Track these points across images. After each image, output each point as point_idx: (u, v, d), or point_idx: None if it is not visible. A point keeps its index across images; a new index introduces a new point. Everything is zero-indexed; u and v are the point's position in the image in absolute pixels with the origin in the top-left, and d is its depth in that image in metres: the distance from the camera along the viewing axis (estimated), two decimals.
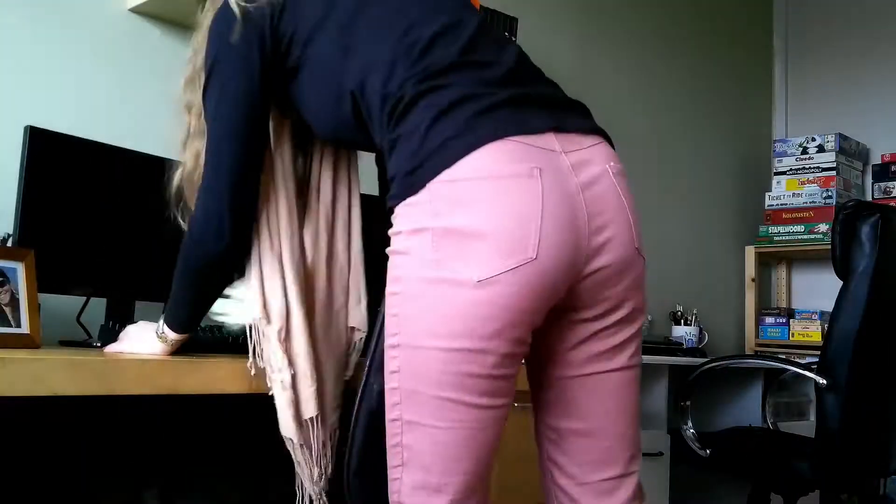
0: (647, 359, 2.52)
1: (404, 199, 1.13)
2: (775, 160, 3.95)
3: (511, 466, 1.90)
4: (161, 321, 1.43)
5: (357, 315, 1.46)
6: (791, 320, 3.75)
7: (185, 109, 1.42)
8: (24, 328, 1.43)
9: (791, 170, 3.87)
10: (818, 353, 2.32)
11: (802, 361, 2.89)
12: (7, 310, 1.42)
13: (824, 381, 2.21)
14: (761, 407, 3.02)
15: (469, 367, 1.10)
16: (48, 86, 1.91)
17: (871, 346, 2.23)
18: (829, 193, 3.72)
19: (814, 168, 3.82)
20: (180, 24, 2.12)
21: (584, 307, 1.18)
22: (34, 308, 1.46)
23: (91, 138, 1.80)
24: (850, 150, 3.87)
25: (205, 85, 1.32)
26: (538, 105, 1.18)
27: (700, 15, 3.89)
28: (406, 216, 1.13)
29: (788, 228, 3.79)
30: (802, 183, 3.82)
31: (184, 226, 1.42)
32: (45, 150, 1.68)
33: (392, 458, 1.19)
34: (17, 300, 1.45)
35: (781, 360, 2.77)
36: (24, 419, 1.76)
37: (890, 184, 3.83)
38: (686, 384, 2.51)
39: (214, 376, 1.38)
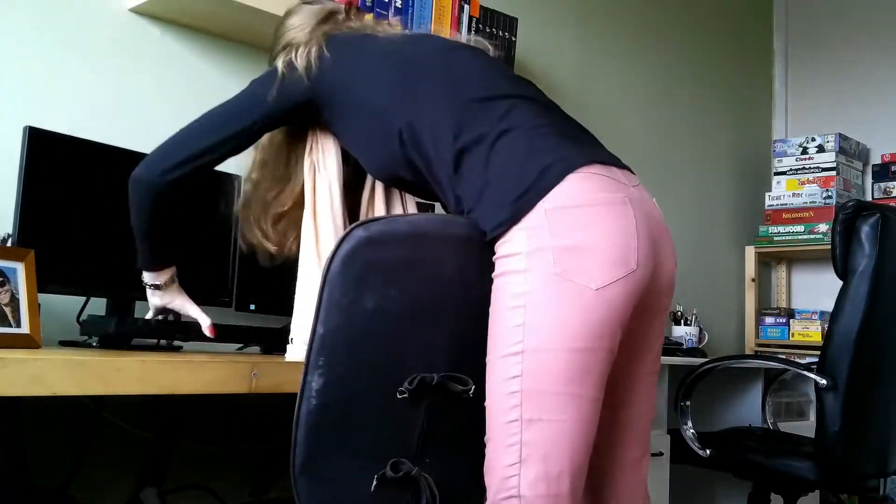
0: None
1: (517, 222, 1.31)
2: (775, 160, 3.95)
3: None
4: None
5: None
6: (791, 320, 3.75)
7: (254, 147, 1.67)
8: (24, 328, 1.43)
9: (791, 170, 3.87)
10: (818, 353, 2.32)
11: (802, 361, 2.88)
12: (7, 310, 1.42)
13: (824, 381, 2.21)
14: (761, 407, 3.02)
15: (588, 364, 1.28)
16: (48, 86, 1.91)
17: (871, 346, 2.23)
18: (829, 193, 3.72)
19: (814, 168, 3.82)
20: (180, 24, 2.12)
21: (644, 312, 1.39)
22: (34, 308, 1.46)
23: (91, 138, 1.80)
24: (850, 150, 3.87)
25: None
26: (594, 143, 1.46)
27: (700, 15, 3.89)
28: (523, 238, 1.31)
29: (788, 228, 3.79)
30: (802, 183, 3.82)
31: (243, 246, 1.75)
32: (44, 150, 1.68)
33: (508, 457, 1.29)
34: (17, 300, 1.45)
35: (781, 360, 2.77)
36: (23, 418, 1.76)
37: (890, 184, 3.83)
38: (686, 384, 2.51)
39: (214, 376, 1.38)
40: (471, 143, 1.39)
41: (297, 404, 1.27)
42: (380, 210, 1.70)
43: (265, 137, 1.65)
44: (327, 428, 1.28)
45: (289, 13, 1.76)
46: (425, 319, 1.34)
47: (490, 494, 1.31)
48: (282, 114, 1.59)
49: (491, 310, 1.35)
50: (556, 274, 1.28)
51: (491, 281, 1.35)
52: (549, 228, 1.30)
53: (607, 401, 1.37)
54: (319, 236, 1.61)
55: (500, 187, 1.35)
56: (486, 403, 1.34)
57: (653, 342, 1.47)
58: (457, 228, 1.37)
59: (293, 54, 1.58)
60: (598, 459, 1.42)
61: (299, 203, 1.65)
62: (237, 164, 2.17)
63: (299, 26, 1.68)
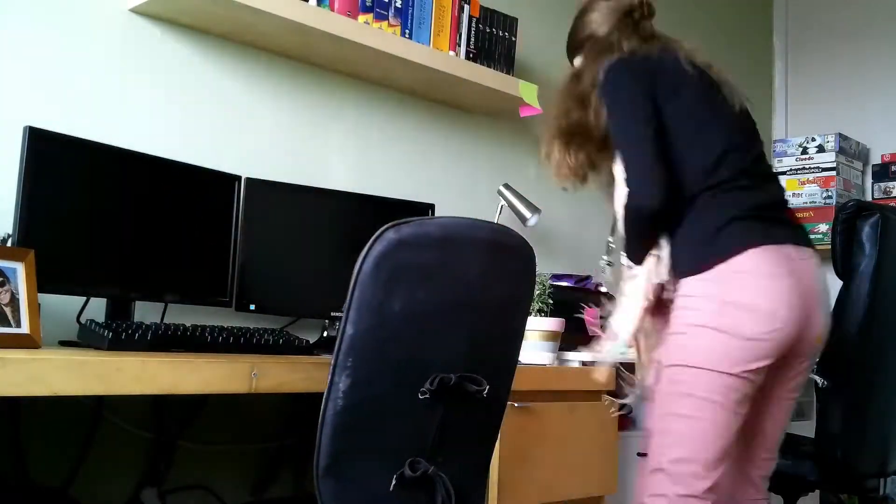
0: None
1: (697, 273, 1.73)
2: (775, 160, 3.95)
3: (511, 466, 1.90)
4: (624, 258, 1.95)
5: None
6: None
7: (559, 131, 1.99)
8: (24, 328, 1.43)
9: (791, 170, 3.87)
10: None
11: None
12: (7, 310, 1.42)
13: (825, 382, 2.21)
14: None
15: (729, 383, 1.69)
16: (48, 86, 1.91)
17: (872, 346, 2.23)
18: (829, 193, 3.72)
19: (814, 168, 3.82)
20: (180, 24, 2.12)
21: (791, 363, 1.81)
22: (34, 308, 1.46)
23: (91, 138, 1.80)
24: (850, 150, 3.87)
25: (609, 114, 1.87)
26: (782, 224, 1.81)
27: (700, 15, 3.88)
28: (698, 286, 1.73)
29: None
30: (802, 183, 3.82)
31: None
32: (45, 150, 1.68)
33: (664, 438, 1.73)
34: (17, 300, 1.45)
35: None
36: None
37: (890, 184, 3.83)
38: None
39: (214, 376, 1.38)
40: None
41: (322, 406, 1.27)
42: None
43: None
44: (352, 429, 1.29)
45: (587, 9, 2.06)
46: (447, 320, 1.35)
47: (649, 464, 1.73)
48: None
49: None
50: (718, 318, 1.69)
51: (509, 283, 1.43)
52: (718, 283, 1.71)
53: (753, 412, 1.77)
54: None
55: (692, 241, 1.79)
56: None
57: (792, 377, 1.85)
58: (483, 233, 1.39)
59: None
60: (739, 454, 1.81)
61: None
62: (238, 164, 2.17)
63: (600, 21, 2.00)
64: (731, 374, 1.68)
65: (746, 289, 1.69)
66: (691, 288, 1.74)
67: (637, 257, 1.87)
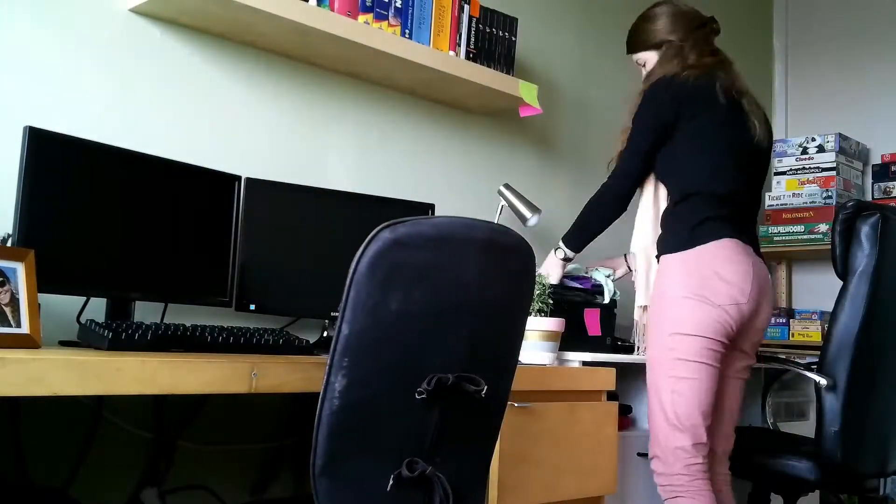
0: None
1: (679, 251, 2.15)
2: (775, 160, 3.94)
3: (511, 466, 1.90)
4: (560, 245, 2.42)
5: None
6: (791, 320, 3.75)
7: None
8: (24, 328, 1.43)
9: (791, 170, 3.87)
10: (818, 353, 2.32)
11: (802, 361, 2.88)
12: (7, 310, 1.42)
13: (824, 381, 2.21)
14: (761, 407, 3.02)
15: (711, 346, 2.09)
16: (48, 86, 1.91)
17: (871, 346, 2.23)
18: (829, 193, 3.72)
19: (814, 168, 3.82)
20: (180, 24, 2.12)
21: (740, 343, 2.20)
22: (34, 308, 1.46)
23: (91, 138, 1.80)
24: (850, 150, 3.86)
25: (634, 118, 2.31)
26: (750, 237, 2.24)
27: None
28: (679, 263, 2.15)
29: (788, 228, 3.79)
30: (802, 183, 3.82)
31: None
32: (45, 150, 1.68)
33: (667, 396, 2.10)
34: (17, 300, 1.45)
35: (781, 361, 2.77)
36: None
37: (890, 184, 3.83)
38: None
39: (214, 376, 1.37)
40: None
41: (318, 405, 1.27)
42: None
43: None
44: (348, 429, 1.28)
45: (654, 16, 2.41)
46: (445, 320, 1.35)
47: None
48: None
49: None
50: (698, 290, 2.10)
51: (507, 283, 1.46)
52: (700, 260, 2.12)
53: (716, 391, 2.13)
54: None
55: (678, 227, 2.21)
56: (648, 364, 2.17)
57: (741, 358, 2.24)
58: (480, 232, 1.38)
59: None
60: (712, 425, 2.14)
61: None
62: (238, 164, 2.17)
63: (670, 29, 2.36)
64: (712, 338, 2.08)
65: (720, 266, 2.10)
66: (674, 264, 2.15)
67: (580, 244, 2.39)
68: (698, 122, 2.21)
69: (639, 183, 2.32)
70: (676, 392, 2.08)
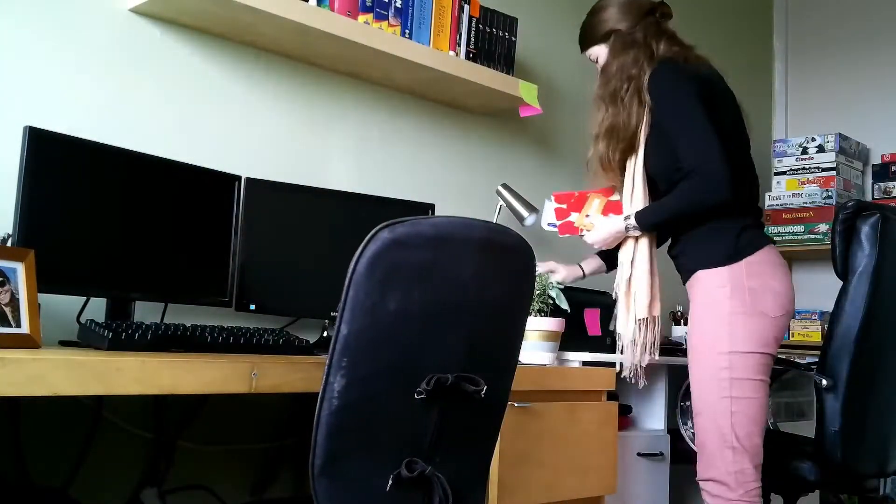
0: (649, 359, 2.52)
1: (725, 265, 2.05)
2: (775, 160, 3.95)
3: (511, 466, 1.90)
4: (631, 216, 2.19)
5: None
6: (791, 320, 3.75)
7: (603, 99, 2.21)
8: (24, 328, 1.43)
9: (791, 170, 3.87)
10: (818, 353, 2.31)
11: (802, 361, 2.88)
12: (7, 310, 1.42)
13: (824, 381, 2.21)
14: None
15: (768, 361, 2.05)
16: (48, 86, 1.91)
17: (871, 346, 2.23)
18: (829, 193, 3.72)
19: (814, 168, 3.82)
20: (180, 24, 2.12)
21: None
22: (34, 308, 1.46)
23: (91, 138, 1.80)
24: (850, 150, 3.86)
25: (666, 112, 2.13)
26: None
27: (700, 15, 3.88)
28: (726, 277, 2.05)
29: (788, 228, 3.79)
30: (802, 183, 3.82)
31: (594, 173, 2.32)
32: (45, 150, 1.68)
33: (729, 419, 2.01)
34: (17, 300, 1.45)
35: (781, 361, 2.77)
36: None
37: (890, 184, 3.83)
38: (686, 385, 2.51)
39: (214, 376, 1.38)
40: None
41: (317, 405, 1.27)
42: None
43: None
44: (348, 429, 1.28)
45: (602, 6, 2.27)
46: (444, 320, 1.35)
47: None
48: None
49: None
50: (751, 302, 2.03)
51: (507, 282, 1.45)
52: (747, 273, 2.05)
53: None
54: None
55: (722, 242, 2.11)
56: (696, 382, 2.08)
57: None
58: (479, 232, 1.38)
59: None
60: None
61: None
62: (238, 164, 2.17)
63: (619, 17, 2.23)
64: (769, 354, 2.03)
65: (768, 275, 2.04)
66: (720, 279, 2.05)
67: (655, 227, 2.18)
68: (720, 115, 2.07)
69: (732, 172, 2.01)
70: (738, 413, 2.00)
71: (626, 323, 2.22)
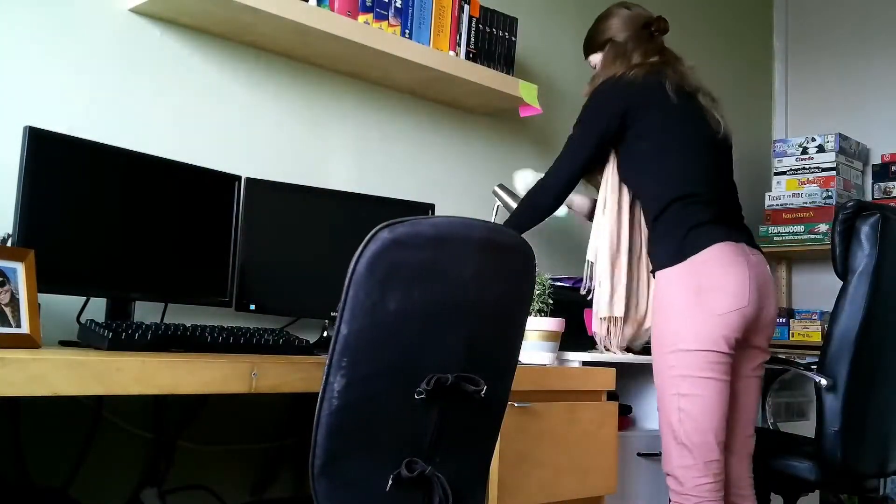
0: (647, 359, 2.52)
1: (672, 265, 2.08)
2: (775, 160, 3.95)
3: (511, 466, 1.90)
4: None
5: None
6: (791, 320, 3.75)
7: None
8: (24, 328, 1.43)
9: (791, 170, 3.87)
10: (818, 353, 2.32)
11: (802, 361, 2.89)
12: (7, 310, 1.42)
13: (824, 381, 2.21)
14: (761, 407, 3.01)
15: (714, 359, 2.02)
16: (48, 86, 1.91)
17: (871, 346, 2.23)
18: (829, 193, 3.72)
19: (814, 168, 3.82)
20: (180, 24, 2.12)
21: (751, 341, 2.13)
22: (34, 308, 1.46)
23: (91, 138, 1.80)
24: (850, 150, 3.86)
25: (577, 120, 2.32)
26: (739, 229, 2.17)
27: (700, 15, 3.89)
28: (674, 277, 2.08)
29: (788, 228, 3.79)
30: (802, 183, 3.82)
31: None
32: (45, 150, 1.68)
33: (675, 415, 2.05)
34: (17, 300, 1.45)
35: (781, 361, 2.77)
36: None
37: (890, 184, 3.83)
38: None
39: (214, 376, 1.37)
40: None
41: (317, 405, 1.27)
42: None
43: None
44: (348, 429, 1.28)
45: (609, 14, 2.39)
46: (444, 320, 1.35)
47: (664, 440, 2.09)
48: None
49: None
50: (696, 300, 2.04)
51: (506, 282, 1.46)
52: (694, 270, 2.06)
53: (731, 393, 2.06)
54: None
55: (667, 241, 2.14)
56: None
57: (756, 355, 2.17)
58: (479, 232, 1.38)
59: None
60: (727, 434, 2.07)
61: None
62: (238, 164, 2.17)
63: (619, 28, 2.34)
64: (715, 351, 2.01)
65: (715, 274, 2.04)
66: (668, 279, 2.09)
67: (519, 225, 2.29)
68: (651, 120, 2.18)
69: (572, 187, 2.30)
70: (683, 410, 2.03)
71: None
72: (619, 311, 2.34)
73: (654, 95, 2.19)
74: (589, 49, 2.45)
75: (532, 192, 2.34)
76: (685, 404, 2.03)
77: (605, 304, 2.34)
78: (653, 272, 2.18)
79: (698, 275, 2.05)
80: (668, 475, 2.09)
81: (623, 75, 2.22)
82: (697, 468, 2.02)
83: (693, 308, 2.03)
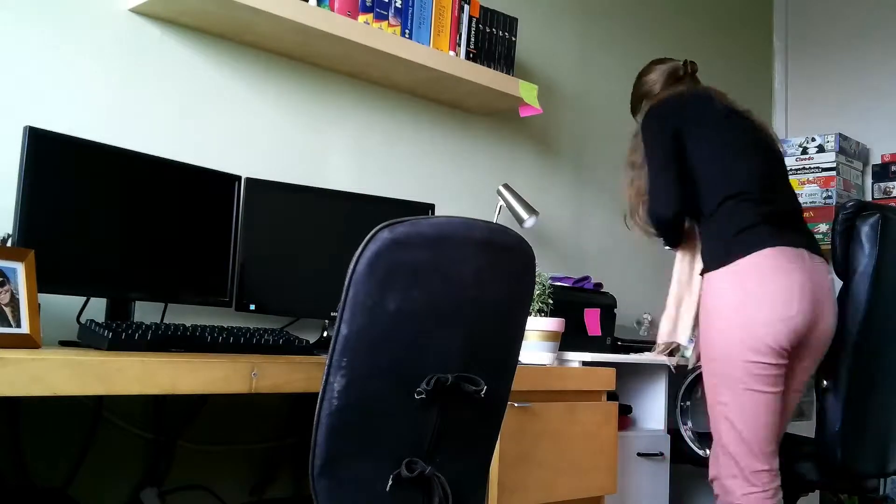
0: (647, 359, 2.52)
1: (720, 268, 2.05)
2: None
3: (511, 466, 1.90)
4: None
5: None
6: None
7: (629, 166, 2.40)
8: (24, 328, 1.43)
9: (791, 170, 3.87)
10: None
11: None
12: (7, 310, 1.42)
13: (825, 381, 2.21)
14: None
15: (756, 370, 1.99)
16: (48, 86, 1.91)
17: (872, 346, 2.23)
18: (829, 193, 3.72)
19: (814, 168, 3.82)
20: (180, 24, 2.12)
21: (801, 356, 2.07)
22: (34, 308, 1.46)
23: (91, 138, 1.80)
24: (850, 150, 3.86)
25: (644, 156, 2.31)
26: (797, 231, 2.11)
27: (700, 15, 3.89)
28: (722, 280, 2.04)
29: None
30: (802, 183, 3.82)
31: (632, 228, 2.44)
32: (44, 150, 1.68)
33: (720, 424, 2.05)
34: (17, 300, 1.45)
35: None
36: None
37: (890, 184, 3.83)
38: (686, 385, 2.51)
39: (214, 376, 1.38)
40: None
41: (317, 405, 1.27)
42: None
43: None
44: (348, 429, 1.29)
45: (646, 70, 2.51)
46: (443, 320, 1.35)
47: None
48: None
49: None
50: (741, 305, 2.00)
51: (507, 282, 1.46)
52: (743, 273, 2.01)
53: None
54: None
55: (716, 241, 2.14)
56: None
57: (800, 372, 2.13)
58: (478, 232, 1.38)
59: None
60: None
61: None
62: (238, 164, 2.17)
63: (655, 81, 2.45)
64: (757, 362, 1.97)
65: (761, 280, 1.98)
66: (714, 283, 2.06)
67: (671, 243, 2.37)
68: (705, 127, 2.20)
69: (680, 201, 2.19)
70: (728, 420, 2.04)
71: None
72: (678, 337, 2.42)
73: (705, 105, 2.25)
74: (632, 108, 2.56)
75: (653, 222, 2.28)
76: (729, 413, 2.03)
77: (664, 331, 2.43)
78: (701, 273, 2.18)
79: (743, 280, 2.01)
80: (714, 480, 2.11)
81: (665, 99, 2.30)
82: (744, 478, 2.03)
83: (736, 315, 2.00)
